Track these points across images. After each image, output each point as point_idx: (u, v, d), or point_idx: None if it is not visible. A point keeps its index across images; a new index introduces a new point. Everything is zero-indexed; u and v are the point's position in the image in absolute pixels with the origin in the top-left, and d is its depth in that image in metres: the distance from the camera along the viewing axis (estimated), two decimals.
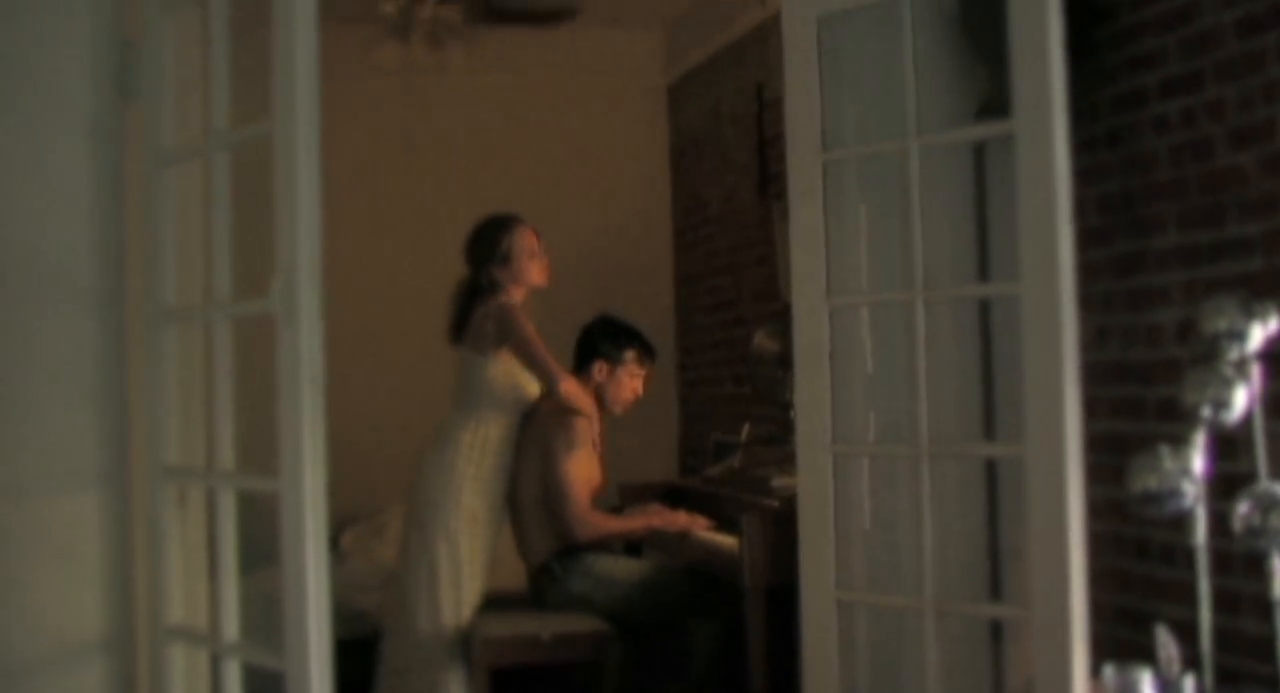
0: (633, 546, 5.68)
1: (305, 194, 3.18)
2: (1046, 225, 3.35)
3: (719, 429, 6.38)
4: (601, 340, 5.29)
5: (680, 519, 5.16)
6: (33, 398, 3.71)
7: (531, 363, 5.04)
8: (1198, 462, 2.59)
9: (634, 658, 5.15)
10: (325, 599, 3.19)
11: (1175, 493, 2.56)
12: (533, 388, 5.15)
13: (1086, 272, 3.80)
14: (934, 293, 3.71)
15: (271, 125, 3.24)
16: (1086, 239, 3.94)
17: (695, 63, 7.47)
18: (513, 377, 5.06)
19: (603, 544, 5.11)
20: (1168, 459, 2.57)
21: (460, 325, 5.19)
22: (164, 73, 3.68)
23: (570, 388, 5.00)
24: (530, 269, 5.26)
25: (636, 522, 5.26)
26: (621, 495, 5.89)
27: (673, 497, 5.68)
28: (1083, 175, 3.93)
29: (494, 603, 5.07)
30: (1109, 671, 2.59)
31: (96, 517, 3.72)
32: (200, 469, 3.65)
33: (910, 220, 3.72)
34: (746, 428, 5.66)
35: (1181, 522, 2.68)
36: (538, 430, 5.12)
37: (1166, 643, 2.61)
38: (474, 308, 5.16)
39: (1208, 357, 2.66)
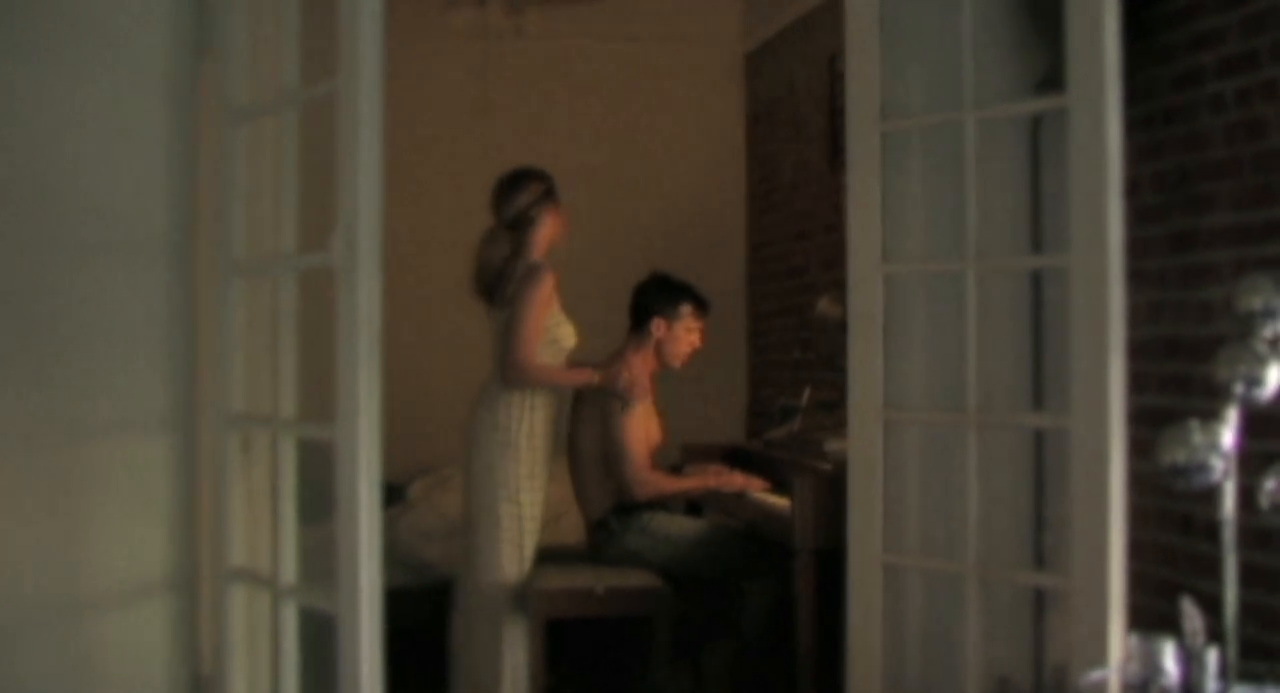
0: (693, 505, 5.70)
1: (367, 151, 3.22)
2: (1097, 199, 3.34)
3: (785, 394, 6.38)
4: (657, 297, 5.30)
5: (737, 480, 5.18)
6: (106, 346, 3.79)
7: (511, 330, 5.01)
8: (1227, 437, 2.57)
9: (687, 615, 5.18)
10: (377, 545, 3.24)
11: (1203, 467, 2.54)
12: (570, 340, 5.12)
13: (1140, 248, 3.78)
14: (985, 263, 3.70)
15: (337, 84, 3.28)
16: (1141, 216, 3.91)
17: (772, 32, 7.44)
18: (550, 332, 5.04)
19: (660, 502, 5.14)
20: (1197, 433, 2.55)
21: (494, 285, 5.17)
22: (238, 31, 3.73)
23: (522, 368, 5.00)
24: (555, 234, 5.24)
25: (693, 481, 5.29)
26: (684, 455, 5.91)
27: (734, 458, 5.70)
28: (1139, 152, 3.90)
29: (553, 557, 5.11)
30: (1133, 639, 2.58)
31: (164, 461, 3.80)
32: (263, 416, 3.71)
33: (965, 191, 3.71)
34: (807, 392, 5.66)
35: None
36: (596, 390, 5.15)
37: (1191, 614, 2.59)
38: (507, 267, 5.13)
39: (1242, 334, 2.64)
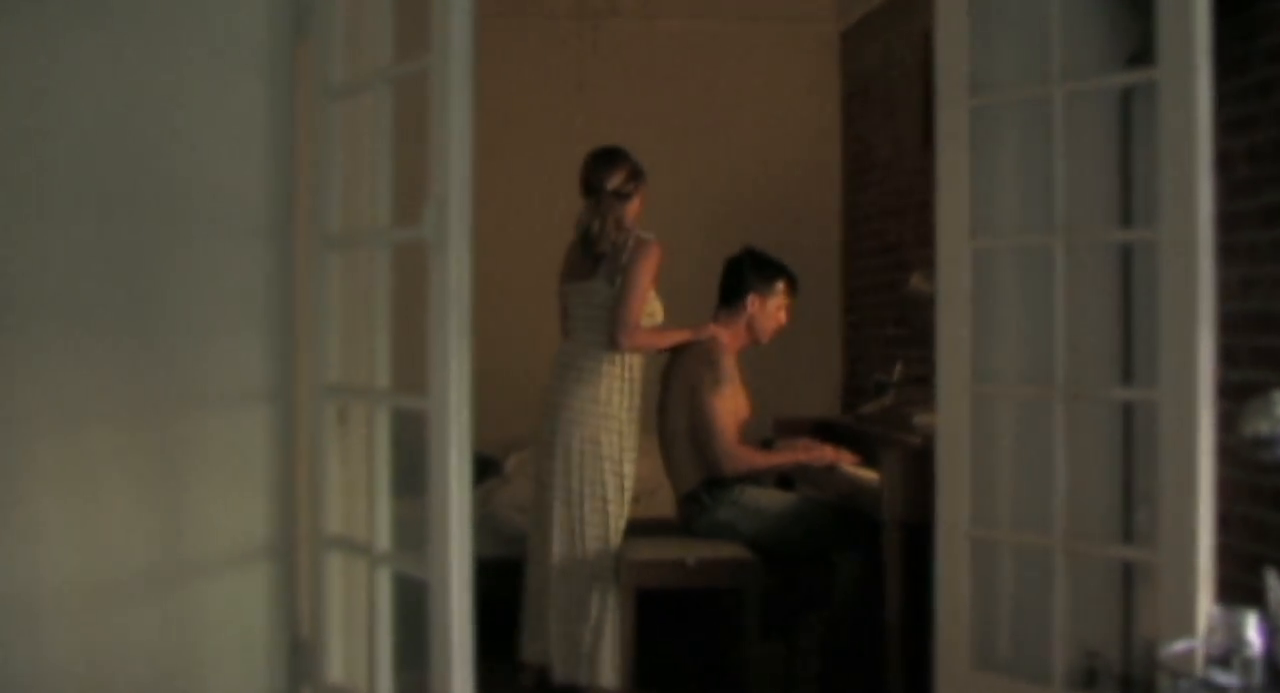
0: (784, 479, 5.70)
1: (457, 127, 3.25)
2: (1187, 173, 3.30)
3: (879, 369, 6.36)
4: (753, 274, 5.31)
5: (827, 453, 5.17)
6: (210, 319, 3.87)
7: (623, 297, 5.08)
8: None
9: (778, 587, 5.19)
10: (467, 513, 3.29)
11: None
12: (660, 315, 5.17)
13: (1233, 221, 3.73)
14: (1074, 237, 3.67)
15: (429, 61, 3.32)
16: (1234, 189, 3.86)
17: (867, 10, 7.39)
18: (648, 305, 5.09)
19: (750, 476, 5.15)
20: None
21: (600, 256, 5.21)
22: (333, 10, 3.77)
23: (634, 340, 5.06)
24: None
25: (783, 456, 5.29)
26: (775, 429, 5.91)
27: (825, 432, 5.68)
28: (1232, 126, 3.85)
29: (644, 529, 5.14)
30: (1217, 611, 2.55)
31: (264, 432, 3.87)
32: (359, 388, 3.76)
33: (1054, 165, 3.68)
34: (899, 367, 5.64)
35: None
36: (685, 365, 5.16)
37: (1275, 586, 2.56)
38: (616, 238, 5.18)
39: None
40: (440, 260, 3.26)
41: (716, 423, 5.02)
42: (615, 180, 5.24)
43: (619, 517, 5.00)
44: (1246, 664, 2.48)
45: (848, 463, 5.14)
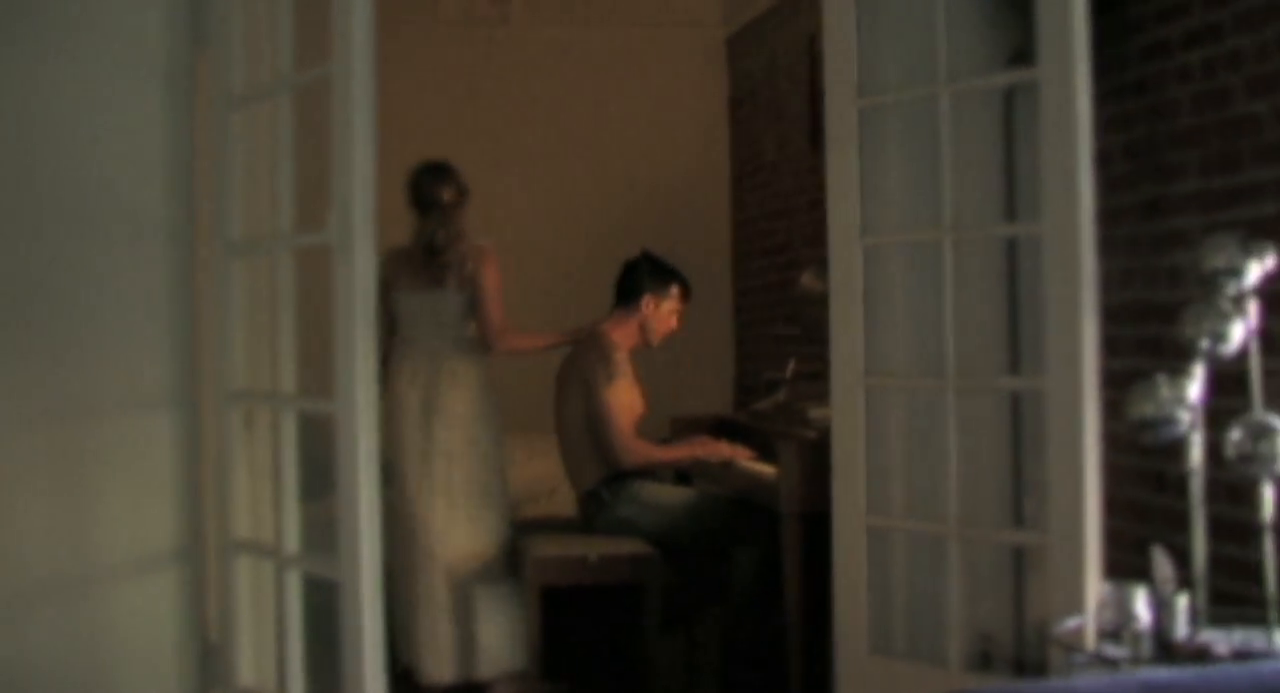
0: (683, 475, 5.76)
1: (360, 132, 3.28)
2: (1068, 168, 3.41)
3: (770, 367, 6.43)
4: (649, 277, 5.37)
5: (723, 449, 5.24)
6: (109, 325, 3.85)
7: (487, 304, 5.24)
8: (1194, 391, 2.63)
9: (678, 581, 5.24)
10: (376, 513, 3.31)
11: (1170, 421, 2.61)
12: None
13: (1112, 216, 3.84)
14: (960, 232, 3.77)
15: (330, 68, 3.34)
16: (1112, 185, 3.97)
17: (753, 15, 7.47)
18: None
19: (649, 472, 5.20)
20: (1164, 388, 2.62)
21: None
22: (233, 19, 3.78)
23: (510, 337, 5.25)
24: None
25: (681, 451, 5.34)
26: (672, 428, 5.97)
27: (721, 430, 5.74)
28: (1110, 123, 3.95)
29: (547, 527, 5.18)
30: (1107, 587, 2.66)
31: (168, 437, 3.86)
32: (264, 393, 3.76)
33: (940, 164, 3.78)
34: (791, 365, 5.71)
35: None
36: (578, 363, 5.21)
37: (1161, 563, 2.66)
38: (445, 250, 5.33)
39: (1207, 292, 2.70)
40: (345, 263, 3.28)
41: (612, 417, 5.07)
42: (449, 192, 5.35)
43: (506, 510, 5.14)
44: (1136, 637, 2.58)
45: (743, 458, 5.21)
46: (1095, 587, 3.19)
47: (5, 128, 3.81)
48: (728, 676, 5.04)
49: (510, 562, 5.07)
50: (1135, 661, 2.54)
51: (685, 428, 5.79)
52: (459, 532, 5.05)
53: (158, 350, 3.86)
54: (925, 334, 3.92)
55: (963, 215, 3.80)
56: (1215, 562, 2.87)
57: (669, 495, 5.15)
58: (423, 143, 7.09)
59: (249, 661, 3.78)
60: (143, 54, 3.87)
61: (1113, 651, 2.57)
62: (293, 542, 3.61)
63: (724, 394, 7.74)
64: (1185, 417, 2.60)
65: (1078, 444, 3.37)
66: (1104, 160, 3.97)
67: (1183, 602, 2.64)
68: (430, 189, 5.35)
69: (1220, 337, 2.64)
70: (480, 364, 5.25)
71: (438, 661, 5.02)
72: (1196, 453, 2.65)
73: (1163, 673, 2.31)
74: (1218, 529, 2.92)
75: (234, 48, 3.77)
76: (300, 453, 3.68)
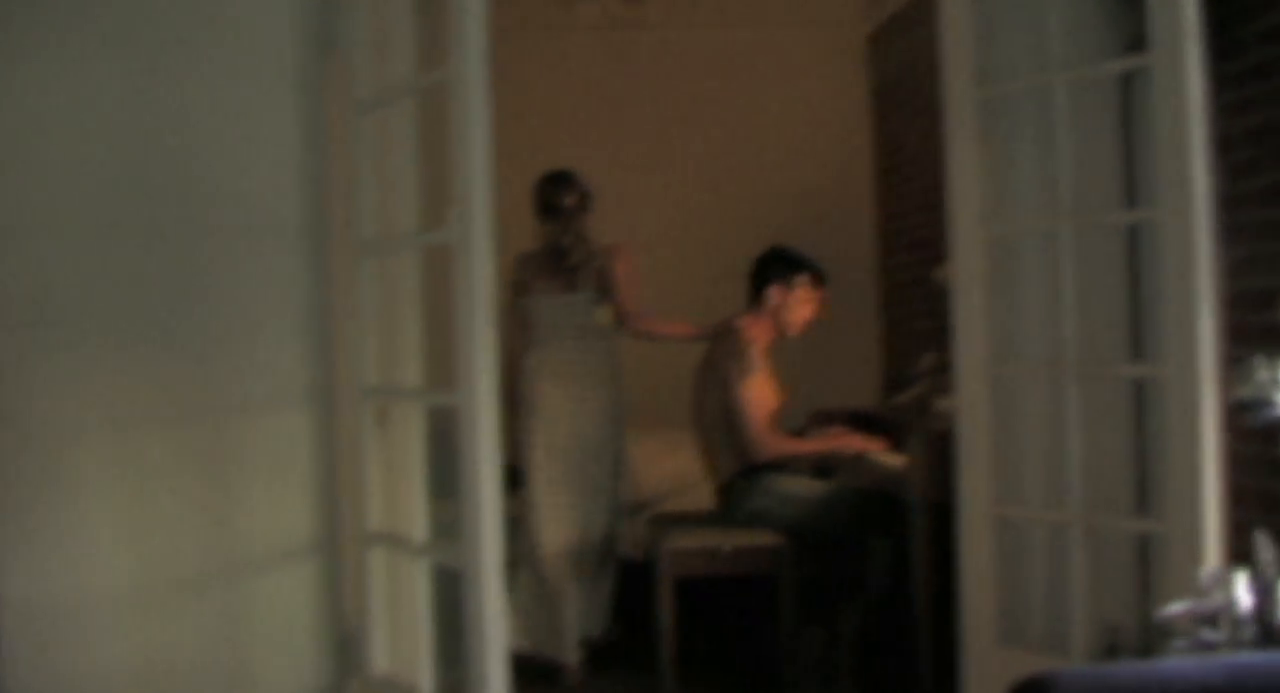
0: (823, 469, 5.77)
1: (476, 133, 3.36)
2: (1182, 154, 3.38)
3: (914, 360, 6.42)
4: (774, 267, 5.39)
5: (857, 441, 5.24)
6: (251, 327, 3.99)
7: (625, 294, 5.53)
8: None
9: (814, 573, 5.26)
10: (497, 503, 3.38)
11: (1268, 403, 2.58)
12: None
13: (1235, 202, 3.78)
14: (1079, 220, 3.75)
15: (447, 73, 3.43)
16: (1235, 171, 3.90)
17: (892, 11, 7.45)
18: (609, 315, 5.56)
19: (784, 464, 5.22)
20: (1261, 370, 2.59)
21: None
22: (360, 27, 3.89)
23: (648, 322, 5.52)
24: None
25: (815, 443, 5.36)
26: (810, 421, 5.99)
27: (859, 422, 5.74)
28: (1231, 109, 3.89)
29: (684, 520, 5.23)
30: (1207, 572, 2.63)
31: (306, 433, 3.99)
32: (395, 388, 3.86)
33: (1057, 152, 3.76)
34: (927, 357, 5.70)
35: None
36: (715, 359, 5.25)
37: (1264, 547, 2.63)
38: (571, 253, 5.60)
39: None
40: (464, 262, 3.37)
41: (747, 411, 5.11)
42: (571, 198, 5.60)
43: (611, 504, 5.47)
44: (1235, 622, 2.55)
45: (877, 450, 5.21)
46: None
47: (151, 138, 3.96)
48: (864, 667, 5.04)
49: (605, 553, 5.34)
50: (1234, 645, 2.52)
51: (822, 421, 5.81)
52: (561, 521, 5.31)
53: (295, 349, 3.98)
54: (1048, 322, 3.91)
55: (1083, 203, 3.78)
56: None
57: (803, 488, 5.16)
58: (565, 146, 7.22)
59: (384, 649, 3.88)
60: (276, 62, 4.00)
61: (1210, 635, 2.54)
62: (421, 532, 3.70)
63: (871, 388, 7.73)
64: None
65: (1196, 431, 3.33)
66: (1225, 146, 3.91)
67: None
68: (553, 197, 5.63)
69: None
70: (607, 364, 5.48)
71: (544, 642, 5.31)
72: None
73: (1251, 657, 2.29)
74: None
75: (361, 52, 3.88)
76: (440, 451, 3.77)
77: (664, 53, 7.47)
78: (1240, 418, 2.62)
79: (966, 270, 3.97)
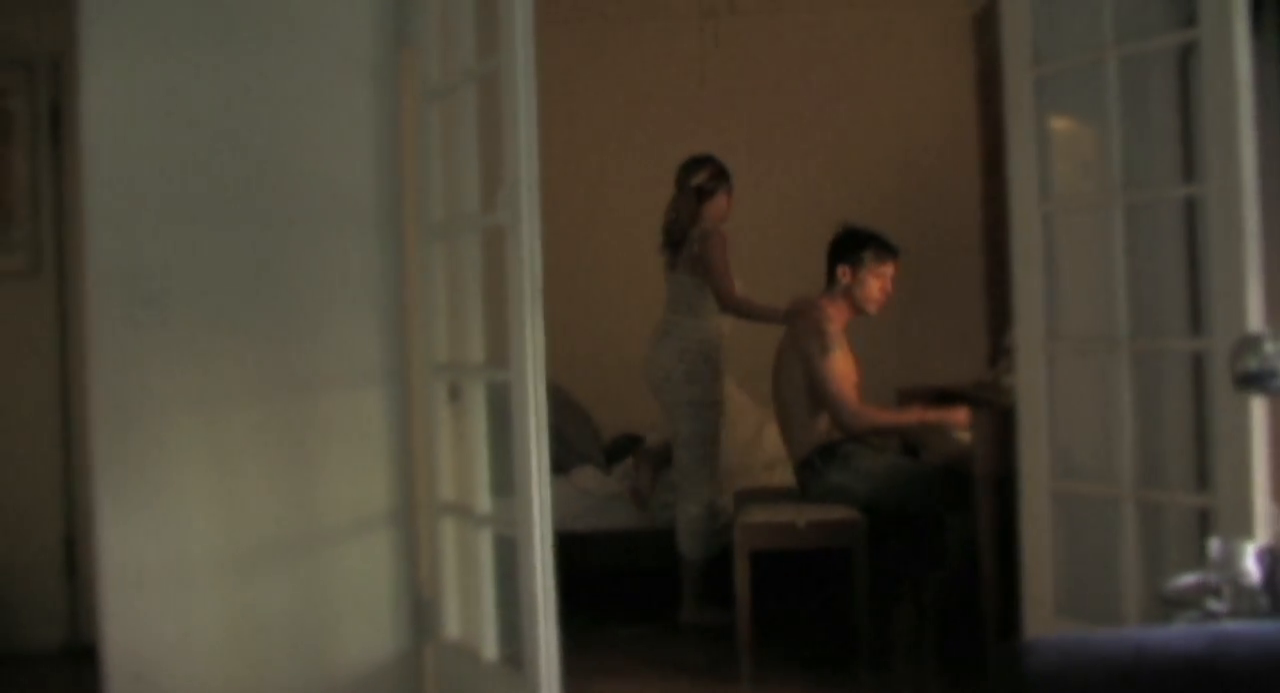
0: (911, 447, 5.76)
1: (524, 118, 3.44)
2: (1229, 128, 3.34)
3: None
4: (840, 247, 5.39)
5: (956, 416, 5.18)
6: (328, 307, 4.13)
7: (716, 278, 5.67)
8: None
9: (894, 548, 5.27)
10: (546, 473, 3.46)
11: (1276, 374, 2.55)
12: None
13: None
14: (1129, 196, 3.71)
15: (498, 61, 3.51)
16: None
17: None
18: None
19: (860, 439, 5.21)
20: (1268, 342, 2.56)
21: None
22: (431, 21, 3.99)
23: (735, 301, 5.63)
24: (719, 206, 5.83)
25: (910, 415, 5.35)
26: (898, 399, 5.98)
27: (944, 399, 5.72)
28: None
29: (765, 496, 5.27)
30: (1215, 542, 2.61)
31: (382, 408, 4.11)
32: (459, 364, 3.96)
33: (1110, 127, 3.73)
34: (1011, 334, 5.65)
35: None
36: (794, 338, 5.27)
37: (1273, 518, 2.61)
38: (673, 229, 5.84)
39: None
40: (515, 242, 3.45)
41: (835, 387, 5.13)
42: (699, 177, 5.77)
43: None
44: (1239, 592, 2.54)
45: (961, 426, 5.18)
46: None
47: (237, 125, 4.11)
48: (943, 640, 5.04)
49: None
50: (1238, 616, 2.50)
51: (910, 398, 5.80)
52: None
53: (372, 329, 4.11)
54: (1106, 298, 3.87)
55: (1143, 177, 3.75)
56: None
57: (880, 463, 5.17)
58: (652, 136, 7.29)
59: (455, 615, 3.99)
60: (354, 53, 4.13)
61: (1216, 606, 2.53)
62: (484, 503, 3.80)
63: (977, 364, 7.68)
64: None
65: (1244, 405, 3.29)
66: None
67: None
68: (680, 176, 5.86)
69: None
70: (689, 344, 5.66)
71: None
72: None
73: (1234, 626, 2.28)
74: None
75: (431, 46, 3.98)
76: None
77: (757, 37, 7.43)
78: (1249, 389, 2.59)
79: (1025, 247, 3.95)
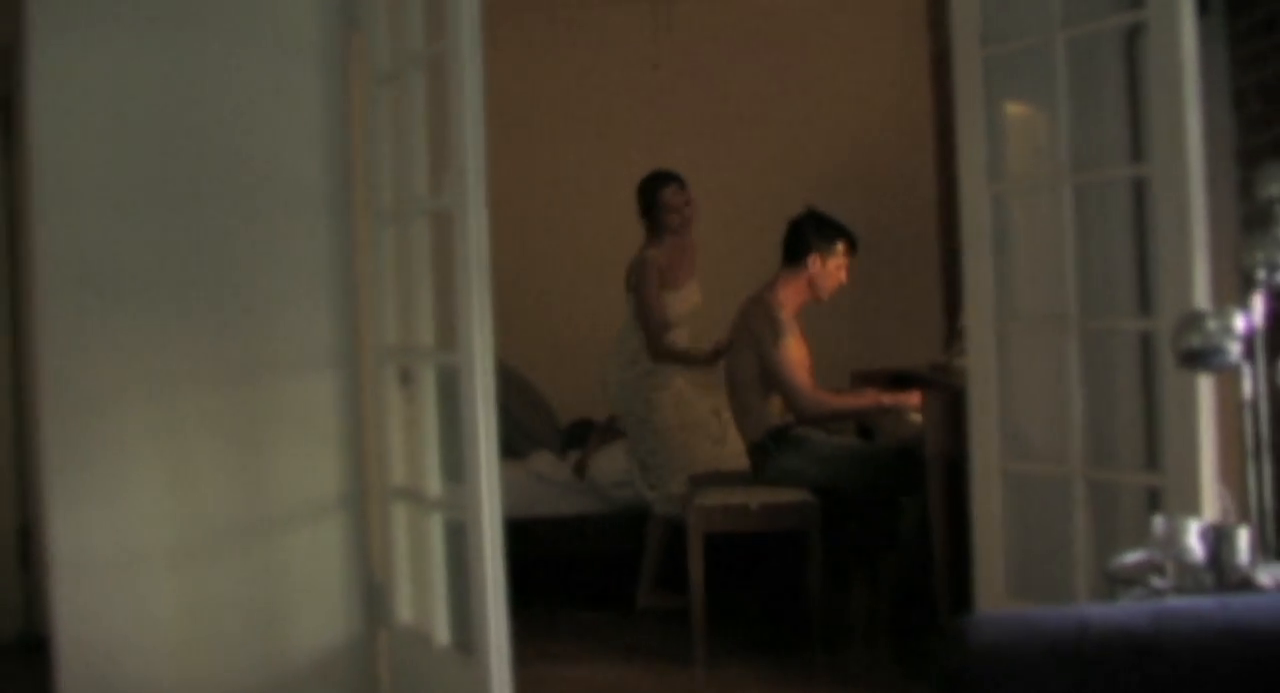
0: (865, 430, 5.76)
1: (470, 103, 3.40)
2: (1175, 107, 3.33)
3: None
4: (814, 234, 5.36)
5: (910, 399, 5.18)
6: (279, 292, 4.08)
7: (640, 315, 5.72)
8: (1239, 321, 2.56)
9: (848, 530, 5.28)
10: (495, 458, 3.44)
11: (1219, 351, 2.54)
12: (696, 298, 5.84)
13: (1248, 155, 3.73)
14: (1077, 177, 3.70)
15: (444, 45, 3.48)
16: (1249, 125, 3.85)
17: None
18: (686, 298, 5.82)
19: (815, 423, 5.21)
20: (1211, 319, 2.56)
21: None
22: (380, 4, 3.95)
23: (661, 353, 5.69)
24: (670, 221, 5.85)
25: (864, 399, 5.34)
26: (852, 381, 5.98)
27: (900, 382, 5.72)
28: (1243, 63, 3.84)
29: (718, 479, 5.26)
30: (1158, 520, 2.60)
31: (332, 392, 4.07)
32: (408, 348, 3.93)
33: (1058, 108, 3.72)
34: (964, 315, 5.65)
35: None
36: (747, 324, 5.25)
37: (1223, 495, 2.61)
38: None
39: (1263, 220, 2.62)
40: (461, 226, 3.42)
41: (788, 372, 5.11)
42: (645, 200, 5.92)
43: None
44: (1183, 570, 2.53)
45: (913, 408, 5.18)
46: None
47: (182, 109, 4.06)
48: (899, 621, 5.05)
49: None
50: (1180, 592, 2.50)
51: (864, 381, 5.79)
52: None
53: (322, 313, 4.06)
54: (1054, 278, 3.87)
55: (1092, 158, 3.75)
56: None
57: (832, 446, 5.17)
58: (603, 120, 7.25)
59: (407, 600, 3.96)
60: (303, 38, 4.08)
61: (1159, 583, 2.53)
62: (435, 487, 3.77)
63: (933, 348, 7.68)
64: (1234, 347, 2.53)
65: (1191, 384, 3.29)
66: (1239, 100, 3.86)
67: (1244, 536, 2.57)
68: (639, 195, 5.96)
69: (1277, 266, 2.56)
70: (631, 373, 5.73)
71: None
72: (1248, 384, 2.58)
73: (1181, 602, 2.28)
74: None
75: (380, 29, 3.94)
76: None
77: (710, 19, 7.38)
78: (1193, 366, 2.59)
79: (974, 228, 3.94)
